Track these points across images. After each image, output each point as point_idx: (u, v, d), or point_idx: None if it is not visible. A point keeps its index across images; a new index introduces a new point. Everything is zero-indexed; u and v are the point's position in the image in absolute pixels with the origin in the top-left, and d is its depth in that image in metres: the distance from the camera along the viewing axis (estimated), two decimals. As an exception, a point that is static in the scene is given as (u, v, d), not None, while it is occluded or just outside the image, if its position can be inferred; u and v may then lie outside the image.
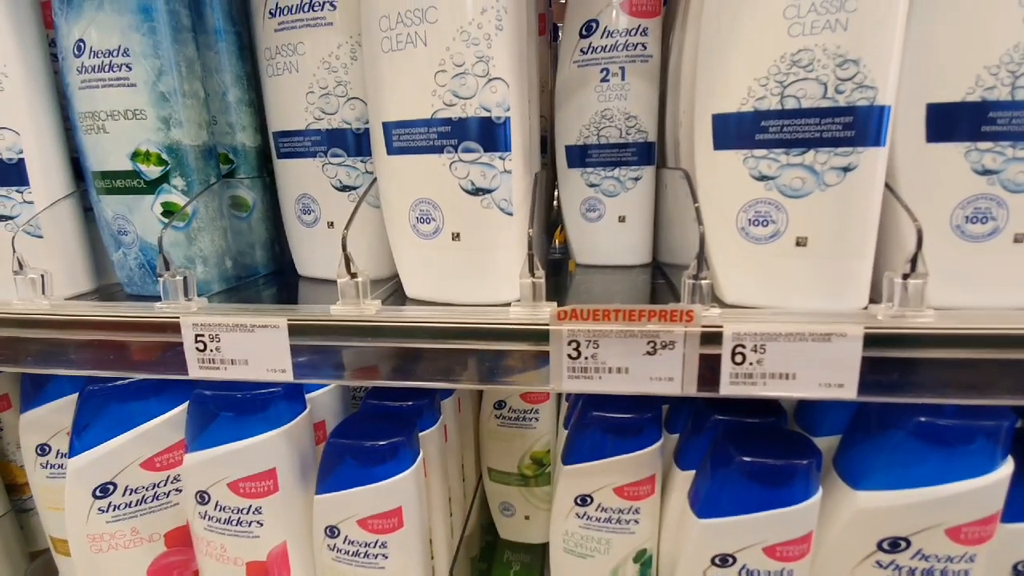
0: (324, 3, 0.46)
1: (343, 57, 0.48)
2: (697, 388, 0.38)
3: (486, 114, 0.39)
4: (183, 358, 0.43)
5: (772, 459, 0.44)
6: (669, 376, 0.38)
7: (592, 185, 0.56)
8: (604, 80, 0.53)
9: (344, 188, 0.51)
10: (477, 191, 0.41)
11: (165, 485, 0.55)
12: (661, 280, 0.54)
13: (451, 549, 0.67)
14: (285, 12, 0.48)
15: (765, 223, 0.39)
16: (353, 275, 0.41)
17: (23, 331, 0.45)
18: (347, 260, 0.41)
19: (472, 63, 0.39)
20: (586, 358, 0.38)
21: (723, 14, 0.38)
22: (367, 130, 0.50)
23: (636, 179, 0.55)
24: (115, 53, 0.43)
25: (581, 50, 0.53)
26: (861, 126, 0.36)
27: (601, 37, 0.52)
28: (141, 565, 0.56)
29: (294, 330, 0.41)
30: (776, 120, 0.37)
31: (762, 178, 0.38)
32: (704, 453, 0.51)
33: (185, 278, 0.44)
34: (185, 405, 0.55)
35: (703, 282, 0.37)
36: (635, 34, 0.51)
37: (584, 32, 0.52)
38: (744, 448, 0.45)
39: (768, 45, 0.36)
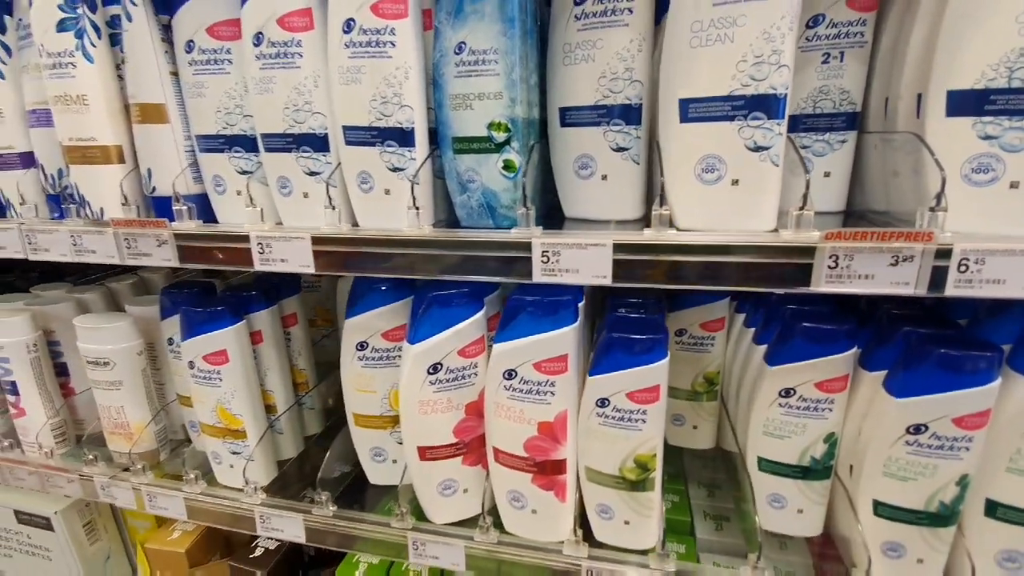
0: (624, 9, 0.63)
1: (632, 49, 0.64)
2: (927, 290, 0.53)
3: (772, 92, 0.55)
4: (530, 268, 0.62)
5: (965, 350, 0.58)
6: (906, 282, 0.53)
7: (803, 147, 0.71)
8: (824, 62, 0.67)
9: (619, 149, 0.68)
10: (757, 148, 0.57)
11: (469, 369, 0.75)
12: (858, 221, 0.69)
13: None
14: (590, 16, 0.64)
15: (986, 171, 0.53)
16: (665, 209, 0.58)
17: (412, 250, 0.65)
18: (662, 197, 0.58)
19: (768, 55, 0.54)
20: (842, 268, 0.54)
21: (963, 17, 0.51)
22: (641, 104, 0.66)
23: (842, 141, 0.69)
24: (488, 52, 0.61)
25: (806, 38, 0.67)
26: (1074, 99, 0.49)
27: (826, 28, 0.66)
28: (449, 426, 0.77)
29: (616, 248, 0.59)
30: (1004, 96, 0.51)
31: (987, 138, 0.52)
32: (890, 358, 0.67)
33: (528, 212, 0.62)
34: (480, 313, 0.75)
35: (940, 214, 0.52)
36: (856, 24, 0.65)
37: (811, 23, 0.66)
38: (940, 343, 0.60)
39: (1001, 41, 0.50)
